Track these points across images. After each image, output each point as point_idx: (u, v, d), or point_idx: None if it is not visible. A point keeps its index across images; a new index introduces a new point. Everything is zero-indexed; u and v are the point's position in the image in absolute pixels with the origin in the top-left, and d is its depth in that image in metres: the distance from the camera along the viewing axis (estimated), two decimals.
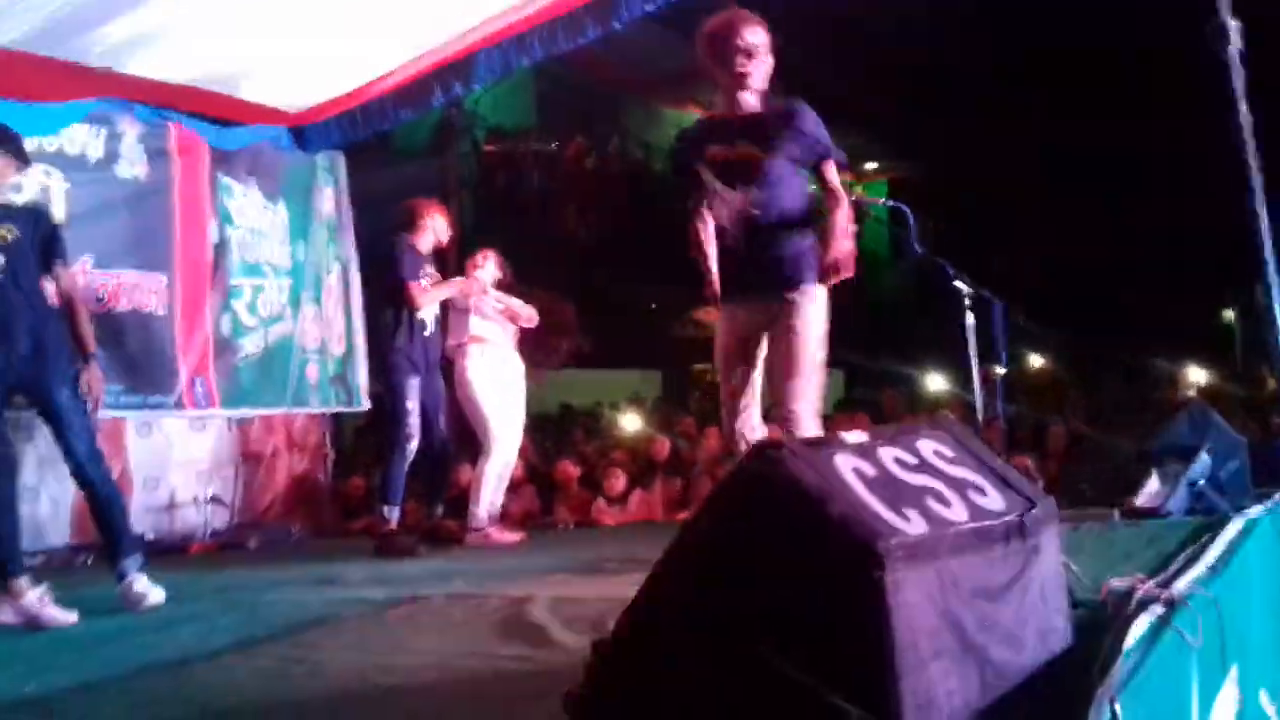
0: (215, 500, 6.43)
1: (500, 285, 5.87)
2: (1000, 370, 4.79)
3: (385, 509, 5.25)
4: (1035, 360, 13.26)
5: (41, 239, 3.91)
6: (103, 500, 3.89)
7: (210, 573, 4.15)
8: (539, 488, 6.59)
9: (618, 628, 1.91)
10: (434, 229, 5.62)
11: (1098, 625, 2.15)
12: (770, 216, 3.56)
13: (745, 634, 1.69)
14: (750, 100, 3.63)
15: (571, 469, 6.72)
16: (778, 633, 1.67)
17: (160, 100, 6.18)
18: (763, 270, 3.54)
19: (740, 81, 3.59)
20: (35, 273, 3.89)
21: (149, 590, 3.84)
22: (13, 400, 3.88)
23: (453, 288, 5.67)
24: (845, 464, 1.83)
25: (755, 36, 3.57)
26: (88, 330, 3.96)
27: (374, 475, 6.75)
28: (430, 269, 5.60)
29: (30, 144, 5.59)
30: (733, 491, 1.81)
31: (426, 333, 5.48)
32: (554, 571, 3.89)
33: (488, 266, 5.81)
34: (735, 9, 3.68)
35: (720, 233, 3.61)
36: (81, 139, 5.91)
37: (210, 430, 6.59)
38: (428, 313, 5.49)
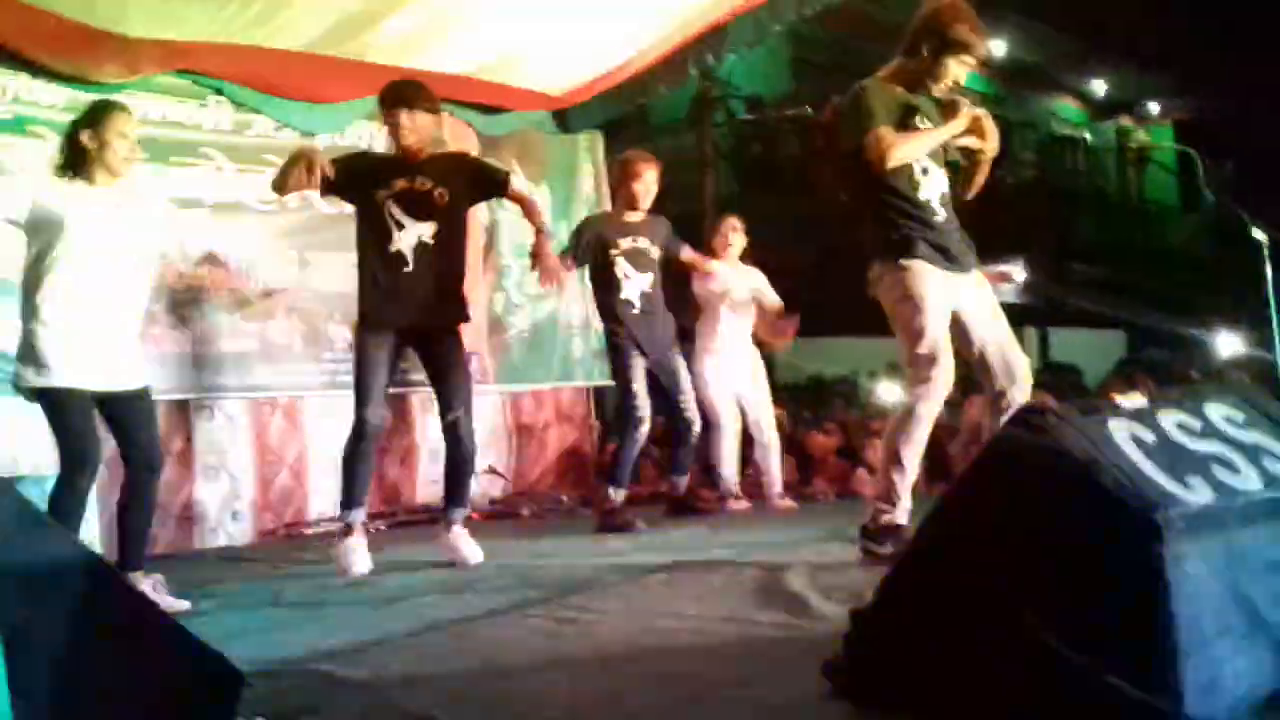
0: (491, 471, 6.74)
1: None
2: None
3: (610, 489, 5.17)
4: None
5: (469, 182, 4.21)
6: (462, 454, 4.21)
7: (487, 540, 4.37)
8: (796, 458, 6.53)
9: (876, 597, 1.89)
10: (632, 191, 5.27)
11: None
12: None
13: (1009, 607, 1.62)
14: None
15: (823, 440, 6.63)
16: (1045, 606, 1.60)
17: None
18: (964, 242, 3.60)
19: (955, 77, 3.52)
20: (464, 227, 4.26)
21: (472, 551, 4.12)
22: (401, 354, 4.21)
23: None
24: (1120, 430, 1.72)
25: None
26: (536, 213, 4.28)
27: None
28: (622, 240, 5.26)
29: (323, 140, 6.13)
30: (995, 459, 1.75)
31: (635, 311, 5.23)
32: (811, 542, 3.87)
33: (735, 243, 5.85)
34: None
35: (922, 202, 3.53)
36: (366, 135, 6.34)
37: (485, 405, 6.92)
38: (631, 291, 5.23)
